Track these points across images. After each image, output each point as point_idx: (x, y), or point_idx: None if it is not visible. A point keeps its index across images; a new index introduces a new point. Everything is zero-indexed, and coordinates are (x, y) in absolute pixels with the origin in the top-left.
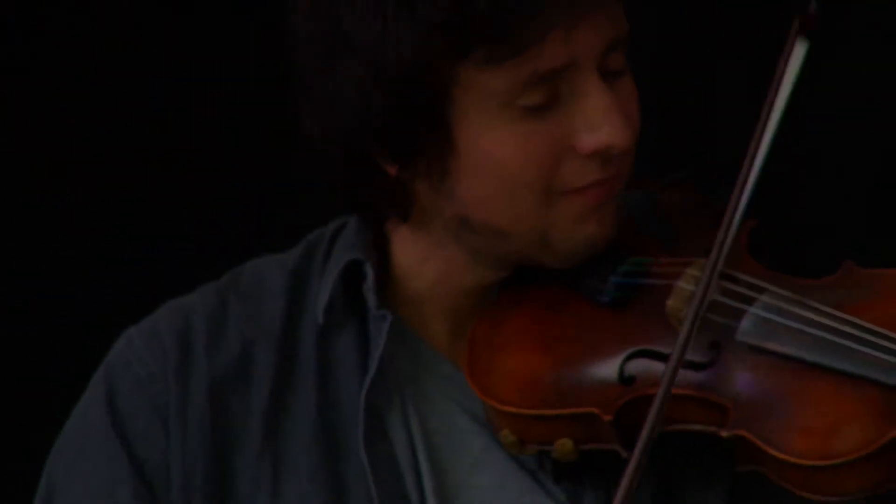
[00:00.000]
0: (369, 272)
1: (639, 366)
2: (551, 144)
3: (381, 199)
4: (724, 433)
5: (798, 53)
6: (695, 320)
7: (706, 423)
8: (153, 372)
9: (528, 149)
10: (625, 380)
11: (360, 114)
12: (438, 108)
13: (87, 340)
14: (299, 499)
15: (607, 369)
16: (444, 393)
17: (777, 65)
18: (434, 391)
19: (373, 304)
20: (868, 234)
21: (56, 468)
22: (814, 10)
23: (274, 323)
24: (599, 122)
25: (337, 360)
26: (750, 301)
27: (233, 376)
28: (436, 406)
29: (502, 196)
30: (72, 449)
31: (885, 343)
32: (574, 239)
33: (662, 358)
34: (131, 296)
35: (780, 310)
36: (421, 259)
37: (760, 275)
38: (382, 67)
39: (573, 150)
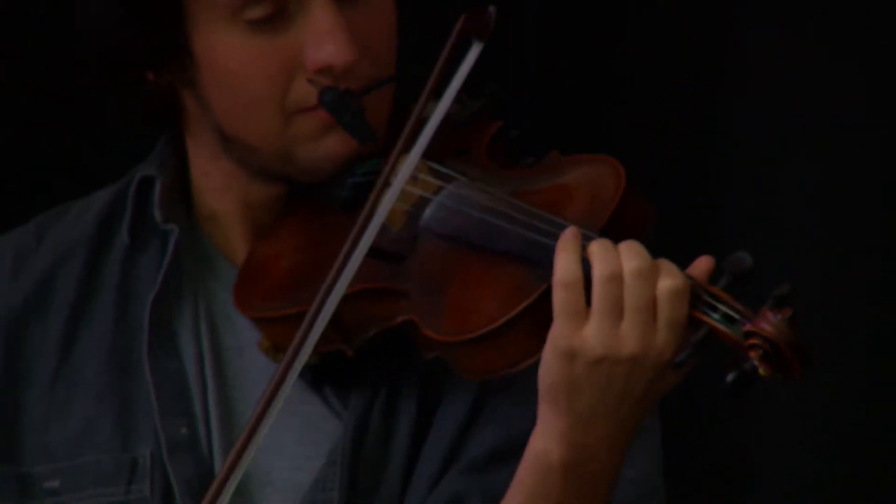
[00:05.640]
0: (157, 187)
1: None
2: (281, 60)
3: (147, 107)
4: (398, 319)
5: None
6: (368, 217)
7: (396, 312)
8: None
9: (258, 63)
10: None
11: (108, 27)
12: (172, 20)
13: None
14: (86, 422)
15: None
16: None
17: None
18: (230, 307)
19: (159, 219)
20: None
21: None
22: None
23: (81, 246)
24: (322, 40)
25: (138, 278)
26: (438, 191)
27: (32, 307)
28: (231, 322)
29: (241, 109)
30: None
31: (535, 222)
32: (315, 155)
33: (378, 254)
34: None
35: (459, 196)
36: (204, 172)
37: (482, 169)
38: None
39: (304, 68)
